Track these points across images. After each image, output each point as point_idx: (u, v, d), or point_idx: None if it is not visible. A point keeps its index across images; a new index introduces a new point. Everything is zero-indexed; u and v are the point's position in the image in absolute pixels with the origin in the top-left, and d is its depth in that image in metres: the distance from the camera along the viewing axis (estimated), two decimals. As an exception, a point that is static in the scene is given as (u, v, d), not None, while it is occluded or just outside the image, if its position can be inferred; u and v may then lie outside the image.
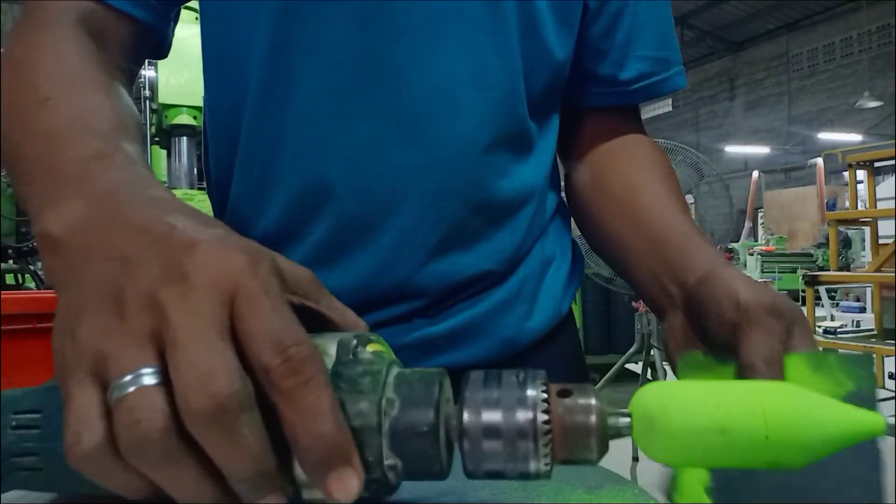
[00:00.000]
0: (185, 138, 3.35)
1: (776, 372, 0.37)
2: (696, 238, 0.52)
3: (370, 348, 0.32)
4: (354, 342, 0.31)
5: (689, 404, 0.30)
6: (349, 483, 0.26)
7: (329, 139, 0.54)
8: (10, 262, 3.82)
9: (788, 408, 0.29)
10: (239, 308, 0.26)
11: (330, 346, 0.30)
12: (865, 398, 0.35)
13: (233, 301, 0.26)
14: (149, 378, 0.24)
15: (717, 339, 0.42)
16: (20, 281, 4.05)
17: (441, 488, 0.38)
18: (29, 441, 0.31)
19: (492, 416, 0.29)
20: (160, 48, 0.59)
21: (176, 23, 0.60)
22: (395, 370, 0.31)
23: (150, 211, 0.30)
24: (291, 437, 0.25)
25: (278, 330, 0.25)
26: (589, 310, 4.73)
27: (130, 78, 0.55)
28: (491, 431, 0.29)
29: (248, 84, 0.55)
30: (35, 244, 3.80)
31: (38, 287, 3.81)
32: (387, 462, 0.29)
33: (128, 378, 0.24)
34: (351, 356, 0.30)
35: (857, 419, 0.29)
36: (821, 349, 0.40)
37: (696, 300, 0.45)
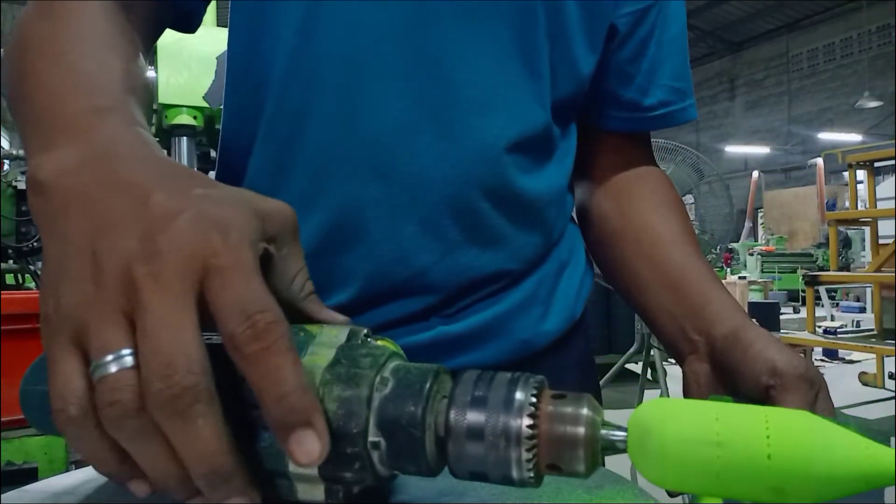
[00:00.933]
0: (185, 138, 3.34)
1: None
2: (715, 285, 0.56)
3: (381, 342, 0.33)
4: (365, 331, 0.32)
5: (687, 416, 0.28)
6: (310, 445, 0.26)
7: (356, 117, 0.53)
8: (10, 262, 3.82)
9: (795, 428, 0.27)
10: (209, 283, 0.27)
11: (342, 332, 0.31)
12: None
13: (204, 278, 0.27)
14: (126, 359, 0.26)
15: (743, 392, 0.46)
16: (20, 281, 4.05)
17: (441, 488, 0.38)
18: None
19: (476, 417, 0.28)
20: (188, 21, 0.58)
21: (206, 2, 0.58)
22: (397, 360, 0.31)
23: (139, 171, 0.30)
24: (259, 402, 0.26)
25: (245, 300, 0.26)
26: (589, 310, 4.71)
27: (148, 47, 0.54)
28: (474, 432, 0.28)
29: (276, 57, 0.55)
30: (35, 244, 3.81)
31: (38, 287, 3.81)
32: (371, 438, 0.29)
33: (108, 358, 0.26)
34: (359, 341, 0.31)
35: (872, 451, 0.26)
36: (840, 412, 0.43)
37: (725, 356, 0.49)
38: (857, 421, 0.37)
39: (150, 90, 0.52)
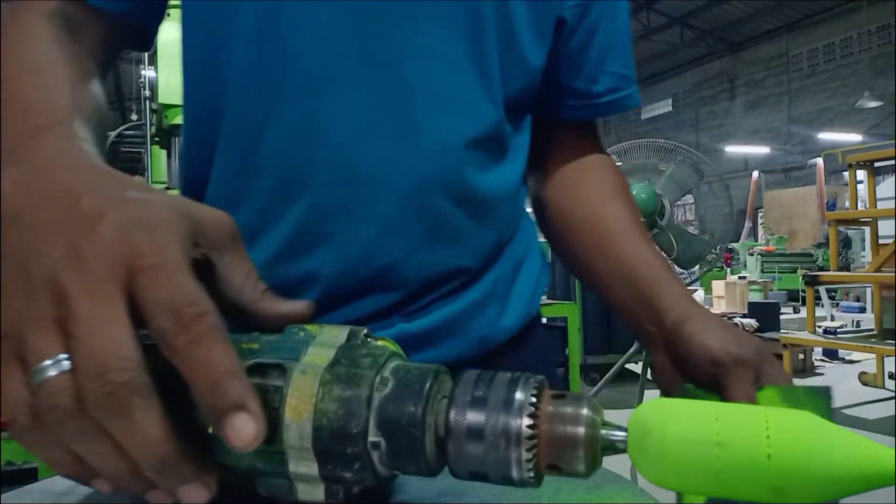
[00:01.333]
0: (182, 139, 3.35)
1: None
2: (664, 275, 0.59)
3: (381, 342, 0.33)
4: (365, 331, 0.33)
5: (687, 417, 0.28)
6: (244, 428, 0.27)
7: (317, 124, 0.54)
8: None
9: (795, 428, 0.27)
10: (137, 284, 0.27)
11: (342, 332, 0.32)
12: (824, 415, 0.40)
13: (131, 278, 0.27)
14: (63, 364, 0.26)
15: (706, 385, 0.50)
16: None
17: (441, 488, 0.38)
18: None
19: (476, 417, 0.28)
20: (143, 40, 0.59)
21: (162, 14, 0.59)
22: (397, 360, 0.31)
23: (70, 180, 0.31)
24: (193, 392, 0.27)
25: (172, 295, 0.27)
26: (589, 310, 4.73)
27: (105, 70, 0.55)
28: (474, 432, 0.28)
29: (234, 64, 0.55)
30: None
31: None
32: (371, 438, 0.29)
33: (44, 364, 0.26)
34: (359, 341, 0.32)
35: (875, 454, 0.26)
36: (793, 380, 0.47)
37: (675, 349, 0.53)
38: (803, 389, 0.44)
39: (101, 112, 0.52)
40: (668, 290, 0.57)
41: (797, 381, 0.47)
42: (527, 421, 0.28)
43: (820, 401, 0.43)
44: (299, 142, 0.54)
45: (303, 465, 0.29)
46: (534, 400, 0.28)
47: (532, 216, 0.71)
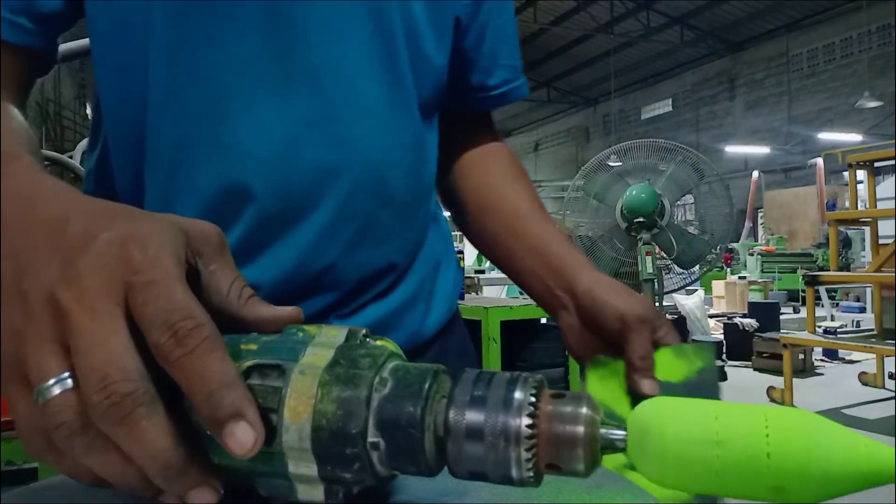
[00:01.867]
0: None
1: (648, 364, 0.52)
2: (568, 248, 0.66)
3: (380, 342, 0.33)
4: (364, 331, 0.33)
5: (686, 416, 0.28)
6: (243, 436, 0.27)
7: (243, 140, 0.54)
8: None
9: (795, 427, 0.27)
10: (133, 300, 0.28)
11: (341, 332, 0.32)
12: (707, 372, 0.51)
13: (127, 294, 0.28)
14: (66, 382, 0.27)
15: (608, 340, 0.56)
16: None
17: (441, 489, 0.38)
18: None
19: (475, 417, 0.28)
20: (47, 67, 0.60)
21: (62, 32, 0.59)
22: (396, 360, 0.32)
23: (53, 208, 0.32)
24: (191, 403, 0.28)
25: (167, 310, 0.28)
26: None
27: (23, 100, 0.57)
28: (473, 432, 0.28)
29: (150, 87, 0.54)
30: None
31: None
32: (370, 439, 0.29)
33: (48, 384, 0.27)
34: (357, 342, 0.32)
35: (871, 450, 0.26)
36: (680, 341, 0.55)
37: (586, 311, 0.59)
38: (691, 345, 0.54)
39: (36, 141, 0.54)
40: (575, 260, 0.64)
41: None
42: (526, 420, 0.28)
43: (705, 354, 0.53)
44: (223, 160, 0.54)
45: (302, 466, 0.29)
46: (533, 399, 0.28)
47: (442, 207, 0.77)
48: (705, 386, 0.51)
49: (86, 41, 2.43)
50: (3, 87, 0.52)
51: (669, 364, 0.53)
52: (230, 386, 0.28)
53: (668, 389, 0.51)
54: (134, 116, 0.56)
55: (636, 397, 0.51)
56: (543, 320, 3.08)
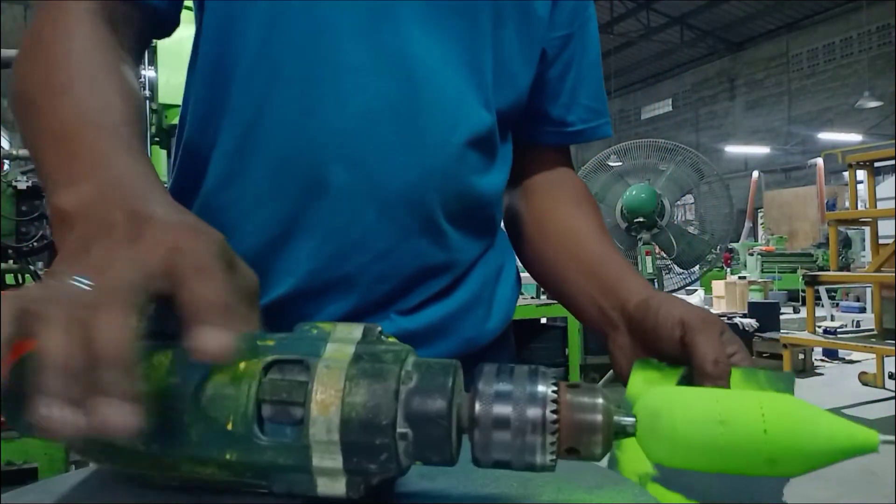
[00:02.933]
0: (184, 138, 3.36)
1: (724, 369, 0.47)
2: (626, 268, 0.64)
3: (392, 339, 0.35)
4: (379, 328, 0.34)
5: (692, 401, 0.32)
6: (221, 338, 0.29)
7: (317, 108, 0.56)
8: (10, 262, 3.82)
9: (786, 408, 0.31)
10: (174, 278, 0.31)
11: (356, 329, 0.33)
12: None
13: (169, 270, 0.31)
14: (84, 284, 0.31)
15: (665, 352, 0.53)
16: (20, 281, 4.05)
17: (443, 487, 0.38)
18: None
19: (503, 409, 0.30)
20: (167, 28, 0.62)
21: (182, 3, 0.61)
22: (413, 356, 0.33)
23: (142, 203, 0.37)
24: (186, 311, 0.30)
25: (211, 293, 0.31)
26: (589, 310, 4.72)
27: (139, 57, 0.59)
28: (501, 423, 0.30)
29: (244, 48, 0.57)
30: (35, 245, 3.81)
31: (38, 287, 3.80)
32: (399, 429, 0.30)
33: (88, 280, 0.31)
34: (374, 338, 0.33)
35: (852, 429, 0.31)
36: (751, 361, 0.51)
37: (641, 323, 0.56)
38: (766, 373, 0.48)
39: (140, 105, 0.55)
40: (629, 278, 0.62)
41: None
42: (550, 409, 0.30)
43: (781, 387, 0.46)
44: (299, 125, 0.56)
45: (327, 459, 0.30)
46: (555, 390, 0.31)
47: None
48: None
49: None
50: (122, 39, 0.55)
51: (740, 387, 0.47)
52: (222, 294, 0.31)
53: None
54: (223, 72, 0.59)
55: None
56: (543, 320, 3.08)
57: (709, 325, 0.50)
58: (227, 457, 0.30)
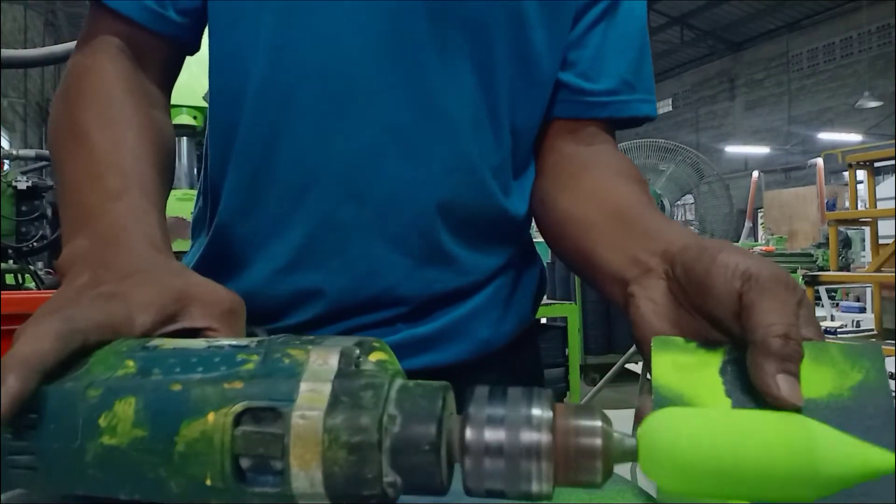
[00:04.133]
0: (185, 138, 3.34)
1: (794, 350, 0.34)
2: (675, 223, 0.49)
3: (373, 357, 0.32)
4: (357, 352, 0.31)
5: (697, 423, 0.29)
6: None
7: (329, 141, 0.55)
8: (10, 262, 3.82)
9: (796, 430, 0.29)
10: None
11: (332, 356, 0.30)
12: (876, 389, 0.33)
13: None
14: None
15: (713, 312, 0.38)
16: (20, 281, 4.04)
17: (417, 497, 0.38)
18: (26, 440, 0.31)
19: (495, 435, 0.28)
20: (191, 51, 0.62)
21: (205, 25, 0.61)
22: (398, 383, 0.30)
23: (130, 265, 0.40)
24: None
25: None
26: (589, 310, 4.72)
27: (169, 88, 0.61)
28: (493, 450, 0.28)
29: (252, 76, 0.56)
30: (35, 245, 3.80)
31: (38, 287, 3.81)
32: (386, 479, 0.28)
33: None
34: (353, 367, 0.30)
35: (869, 456, 0.28)
36: (822, 336, 0.37)
37: (689, 268, 0.40)
38: (842, 347, 0.35)
39: (166, 145, 0.55)
40: (676, 228, 0.47)
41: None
42: (546, 437, 0.28)
43: (867, 363, 0.34)
44: (311, 156, 0.56)
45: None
46: (550, 414, 0.29)
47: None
48: (867, 413, 0.33)
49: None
50: (148, 71, 0.58)
51: (805, 373, 0.34)
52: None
53: (805, 408, 0.33)
54: (232, 105, 0.58)
55: (756, 400, 0.34)
56: (544, 320, 3.08)
57: (782, 287, 0.36)
58: (213, 501, 0.29)
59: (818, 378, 0.34)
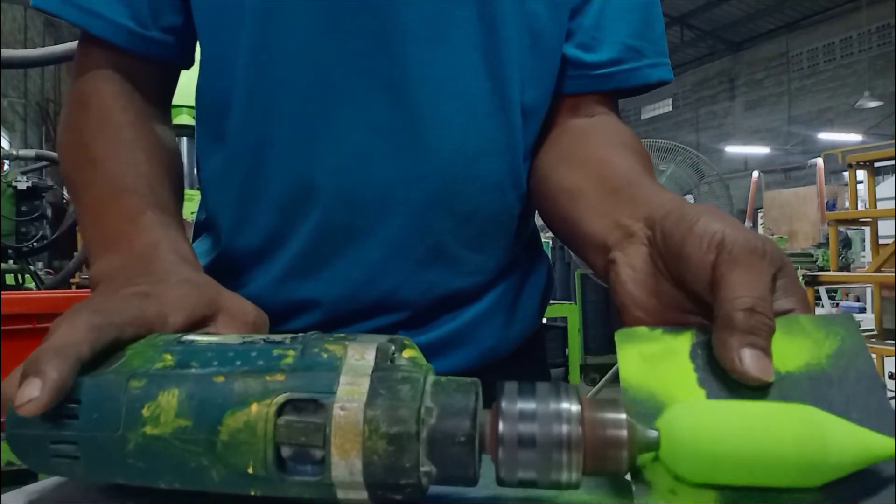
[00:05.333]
0: (185, 138, 3.35)
1: (759, 323, 0.32)
2: (668, 192, 0.46)
3: (406, 354, 0.33)
4: (392, 348, 0.32)
5: (717, 412, 0.31)
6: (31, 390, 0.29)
7: (317, 145, 0.54)
8: (10, 262, 3.82)
9: (806, 417, 0.30)
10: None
11: (368, 352, 0.32)
12: (855, 354, 0.33)
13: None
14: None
15: (689, 284, 0.36)
16: (20, 281, 4.05)
17: (441, 490, 0.38)
18: (68, 430, 0.32)
19: (528, 427, 0.29)
20: (185, 67, 0.62)
21: (195, 40, 0.60)
22: (432, 378, 0.32)
23: (167, 272, 0.42)
24: None
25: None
26: (589, 310, 4.73)
27: (167, 102, 0.61)
28: (527, 442, 0.29)
29: (234, 89, 0.55)
30: (35, 245, 3.80)
31: (38, 287, 3.81)
32: (423, 468, 0.29)
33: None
34: (389, 362, 0.31)
35: (872, 442, 0.30)
36: (809, 309, 0.36)
37: (668, 237, 0.38)
38: (812, 318, 0.34)
39: (173, 161, 0.56)
40: (671, 195, 0.44)
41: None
42: (577, 429, 0.29)
43: (841, 330, 0.33)
44: (298, 165, 0.54)
45: (352, 493, 0.30)
46: (579, 408, 0.30)
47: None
48: (849, 380, 0.32)
49: (86, 41, 2.44)
50: (145, 93, 0.58)
51: (779, 348, 0.33)
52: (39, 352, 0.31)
53: (783, 383, 0.32)
54: (217, 117, 0.58)
55: (725, 382, 0.33)
56: (543, 320, 3.08)
57: (757, 257, 0.34)
58: (252, 493, 0.31)
59: (792, 350, 0.33)
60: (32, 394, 0.29)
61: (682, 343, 0.36)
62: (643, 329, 0.37)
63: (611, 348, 4.71)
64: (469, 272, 0.59)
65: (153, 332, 0.35)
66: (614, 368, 3.07)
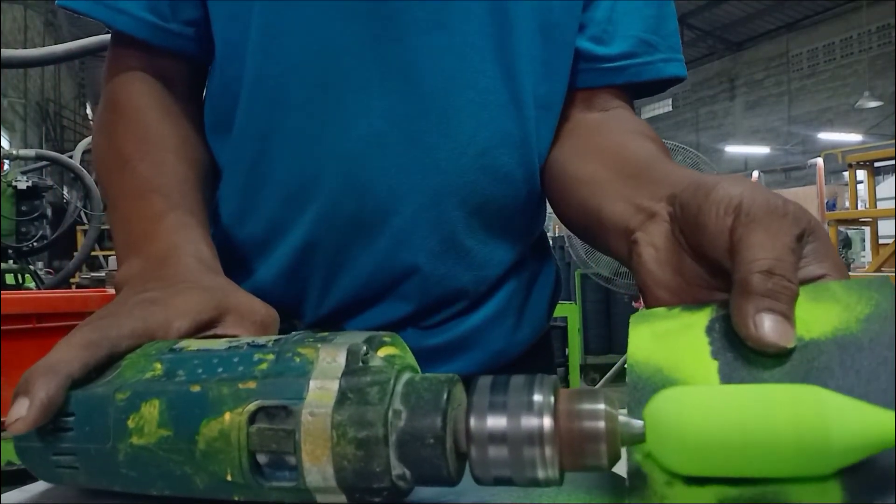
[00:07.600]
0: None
1: (777, 286, 0.29)
2: (683, 168, 0.45)
3: (382, 352, 0.33)
4: (364, 349, 0.31)
5: (705, 401, 0.28)
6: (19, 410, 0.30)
7: (325, 133, 0.53)
8: (10, 262, 3.82)
9: (806, 400, 0.27)
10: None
11: (340, 354, 0.31)
12: (890, 316, 0.29)
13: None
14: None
15: (708, 254, 0.35)
16: (20, 281, 4.05)
17: (440, 489, 0.38)
18: (65, 442, 0.33)
19: (497, 422, 0.28)
20: (211, 59, 0.62)
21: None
22: (405, 377, 0.31)
23: (178, 276, 0.42)
24: None
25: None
26: (589, 310, 4.73)
27: (198, 100, 0.61)
28: (497, 437, 0.28)
29: (243, 76, 0.55)
30: (35, 244, 3.80)
31: (38, 287, 3.81)
32: (395, 472, 0.29)
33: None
34: (360, 363, 0.31)
35: (886, 424, 0.26)
36: (841, 276, 0.32)
37: (687, 208, 0.36)
38: (843, 283, 0.31)
39: (202, 158, 0.57)
40: (687, 170, 0.43)
41: None
42: (548, 422, 0.28)
43: (875, 295, 0.30)
44: (305, 153, 0.54)
45: (331, 497, 0.30)
46: (552, 399, 0.29)
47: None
48: (881, 344, 0.29)
49: (86, 41, 2.43)
50: (176, 92, 0.58)
51: (804, 315, 0.30)
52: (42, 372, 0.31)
53: (807, 351, 0.30)
54: (226, 107, 0.57)
55: (742, 351, 0.31)
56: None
57: (777, 217, 0.31)
58: (236, 498, 0.31)
59: (820, 316, 0.30)
60: (20, 413, 0.30)
61: (700, 318, 0.33)
62: (660, 310, 0.35)
63: (611, 348, 4.71)
64: (479, 265, 0.57)
65: (154, 340, 0.36)
66: (614, 368, 3.08)
